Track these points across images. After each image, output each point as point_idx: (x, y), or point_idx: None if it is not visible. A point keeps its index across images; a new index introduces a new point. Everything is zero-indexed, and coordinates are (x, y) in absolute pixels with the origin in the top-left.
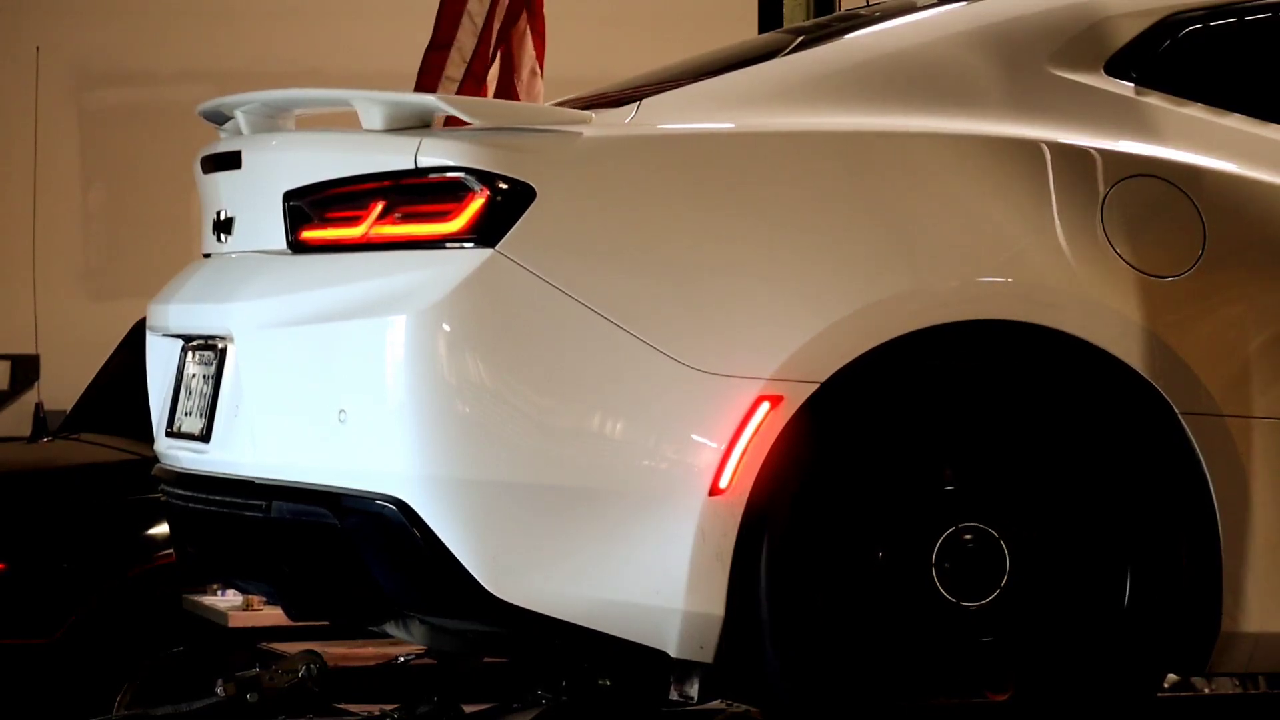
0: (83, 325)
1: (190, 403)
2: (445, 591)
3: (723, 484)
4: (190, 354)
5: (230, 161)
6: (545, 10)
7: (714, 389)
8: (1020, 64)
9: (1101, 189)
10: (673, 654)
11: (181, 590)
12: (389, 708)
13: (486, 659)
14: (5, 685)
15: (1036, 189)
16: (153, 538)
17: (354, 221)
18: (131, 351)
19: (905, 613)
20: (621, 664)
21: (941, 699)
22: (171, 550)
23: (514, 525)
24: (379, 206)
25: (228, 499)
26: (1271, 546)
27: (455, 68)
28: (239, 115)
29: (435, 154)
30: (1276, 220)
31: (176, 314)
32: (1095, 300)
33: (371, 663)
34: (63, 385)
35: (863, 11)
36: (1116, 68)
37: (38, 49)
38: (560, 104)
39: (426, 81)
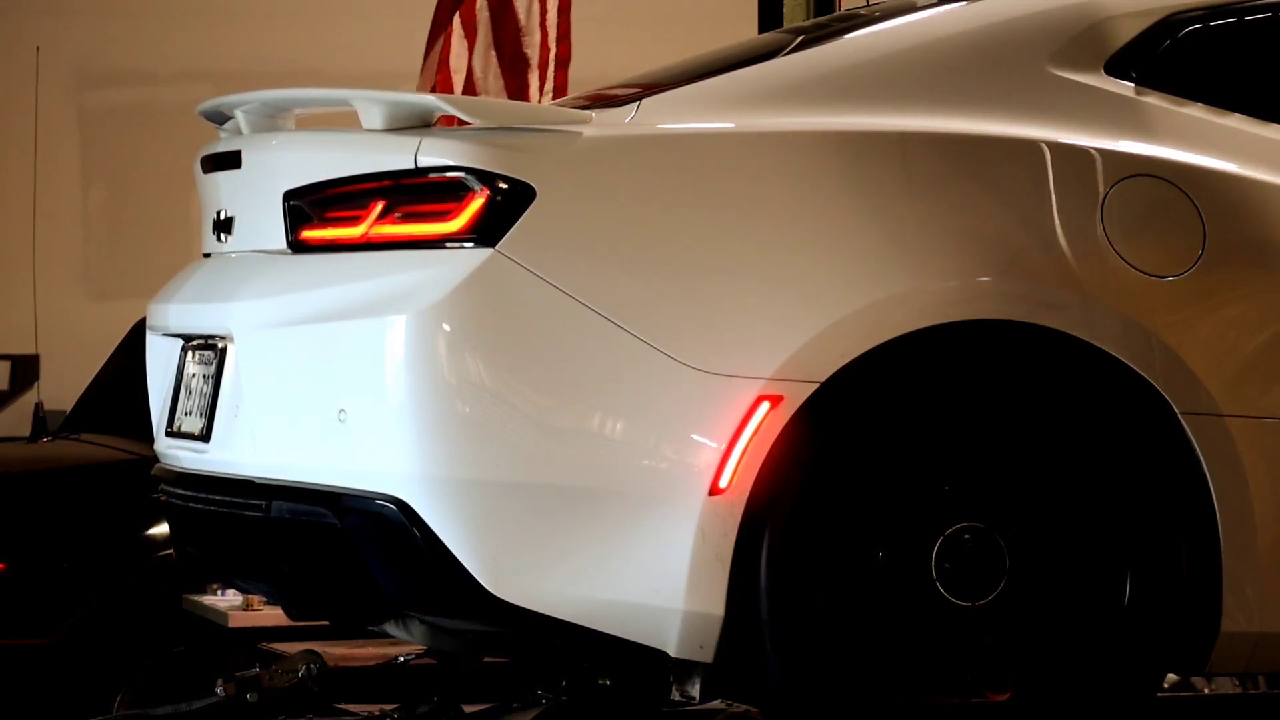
0: (83, 325)
1: (190, 402)
2: (445, 591)
3: (723, 484)
4: (190, 354)
5: (230, 161)
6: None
7: (714, 389)
8: (1020, 64)
9: (1101, 189)
10: (673, 654)
11: (181, 590)
12: (389, 708)
13: (486, 659)
14: (5, 685)
15: (1036, 189)
16: (153, 538)
17: (354, 221)
18: (131, 352)
19: (905, 613)
20: (621, 664)
21: (941, 699)
22: (171, 550)
23: (514, 525)
24: (379, 206)
25: (228, 499)
26: (1271, 546)
27: (459, 58)
28: (239, 115)
29: (435, 154)
30: (1276, 220)
31: (176, 314)
32: (1095, 300)
33: (371, 663)
34: (63, 385)
35: (863, 11)
36: (1116, 68)
37: (38, 49)
38: (560, 104)
39: (433, 70)
